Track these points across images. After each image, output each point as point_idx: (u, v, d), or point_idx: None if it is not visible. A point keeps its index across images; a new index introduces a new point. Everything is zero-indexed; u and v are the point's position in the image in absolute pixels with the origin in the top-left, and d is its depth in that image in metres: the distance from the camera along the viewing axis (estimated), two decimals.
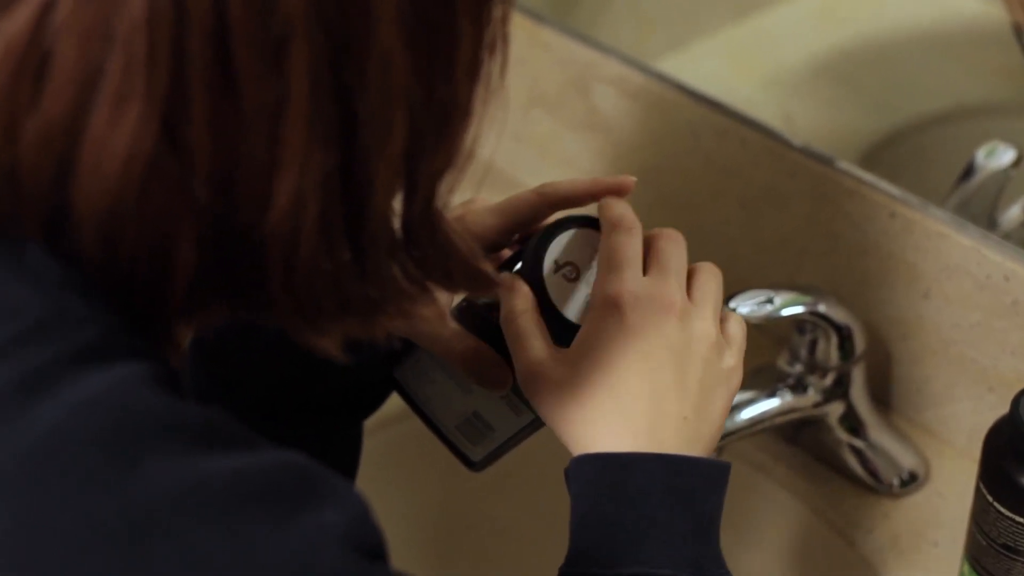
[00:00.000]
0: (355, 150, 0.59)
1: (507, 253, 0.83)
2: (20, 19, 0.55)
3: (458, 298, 0.82)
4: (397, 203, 0.64)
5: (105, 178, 0.56)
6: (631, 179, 0.82)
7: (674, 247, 0.80)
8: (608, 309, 0.75)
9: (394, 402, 0.98)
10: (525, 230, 0.83)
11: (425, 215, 0.65)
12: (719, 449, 1.01)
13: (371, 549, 0.57)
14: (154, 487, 0.53)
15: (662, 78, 1.20)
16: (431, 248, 0.66)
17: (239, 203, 0.58)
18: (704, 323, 0.77)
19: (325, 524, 0.55)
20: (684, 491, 0.73)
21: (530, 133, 1.35)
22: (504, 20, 0.62)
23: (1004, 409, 0.91)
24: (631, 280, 0.76)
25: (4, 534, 0.53)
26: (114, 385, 0.55)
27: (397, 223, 0.64)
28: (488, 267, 0.73)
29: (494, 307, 0.79)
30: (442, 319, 0.76)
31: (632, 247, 0.78)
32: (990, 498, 0.90)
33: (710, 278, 0.80)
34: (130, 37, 0.54)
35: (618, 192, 0.82)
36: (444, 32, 0.59)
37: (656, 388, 0.75)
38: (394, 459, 1.14)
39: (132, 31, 0.54)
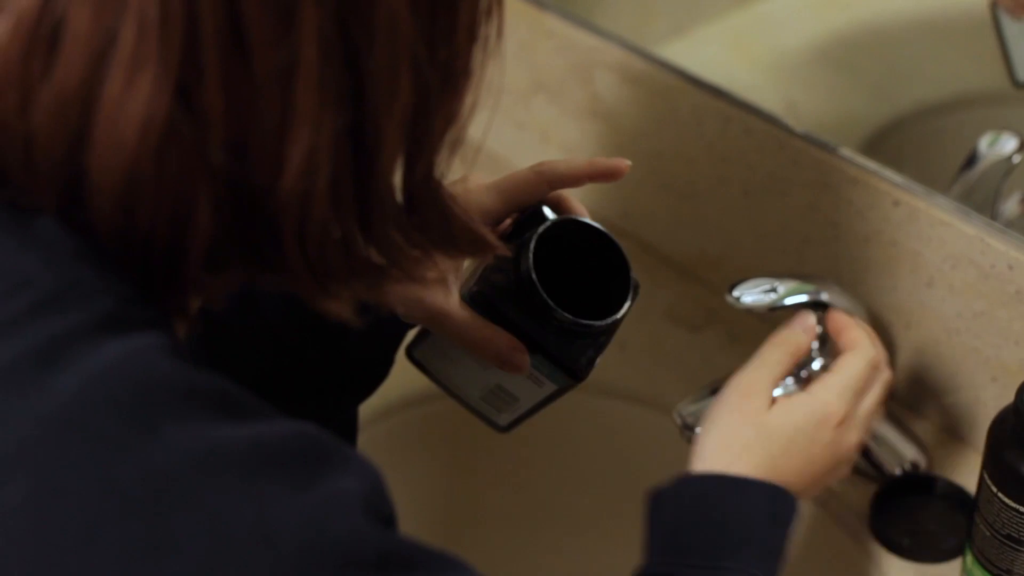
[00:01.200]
0: (364, 111, 0.59)
1: (505, 226, 0.84)
2: None
3: (466, 283, 0.82)
4: (397, 173, 0.64)
5: (122, 144, 0.56)
6: (626, 162, 0.86)
7: (864, 364, 0.94)
8: (817, 413, 0.90)
9: (395, 392, 0.98)
10: (521, 208, 0.85)
11: (426, 180, 0.66)
12: None
13: (385, 517, 0.58)
14: (173, 453, 0.54)
15: (664, 65, 1.20)
16: (432, 213, 0.68)
17: (253, 165, 0.58)
18: (856, 434, 0.93)
19: (342, 490, 0.56)
20: (780, 517, 0.86)
21: (532, 120, 1.35)
22: (489, 21, 0.63)
23: (1008, 399, 0.91)
24: (850, 407, 0.92)
25: (25, 501, 0.53)
26: (131, 354, 0.55)
27: (398, 190, 0.65)
28: (487, 231, 0.74)
29: (503, 290, 0.80)
30: (445, 286, 0.78)
31: (867, 380, 0.94)
32: (994, 488, 0.90)
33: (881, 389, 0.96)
34: (143, 2, 0.54)
35: (613, 174, 0.86)
36: (440, 7, 0.60)
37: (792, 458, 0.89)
38: (395, 448, 1.14)
39: None
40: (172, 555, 0.53)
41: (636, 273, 0.84)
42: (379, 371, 0.87)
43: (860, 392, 0.92)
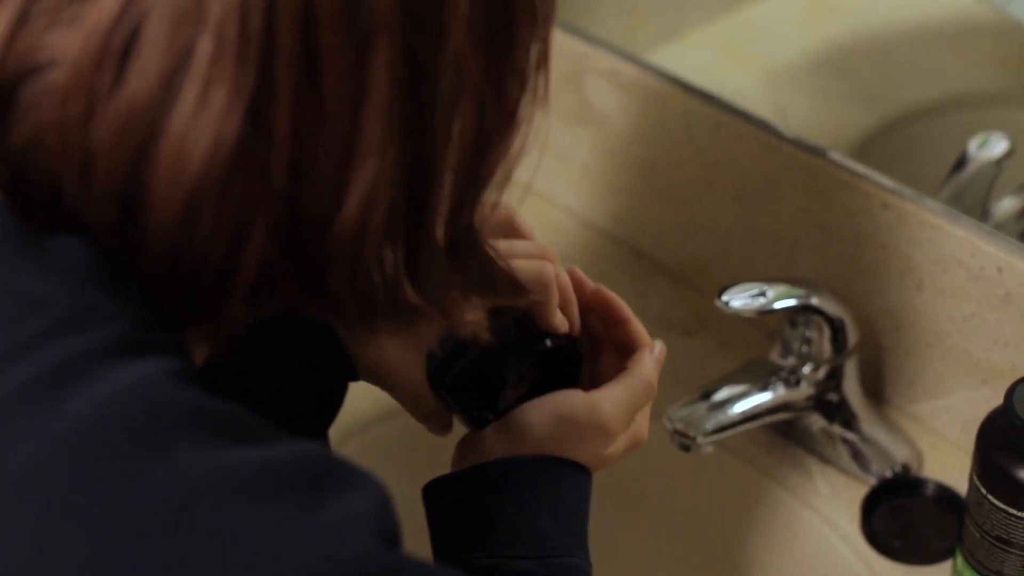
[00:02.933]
0: (424, 146, 0.61)
1: None
2: None
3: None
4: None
5: (188, 163, 0.56)
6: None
7: (648, 385, 0.86)
8: (595, 420, 0.82)
9: (384, 399, 0.98)
10: None
11: (470, 222, 0.67)
12: (713, 443, 1.01)
13: (392, 536, 0.59)
14: (184, 476, 0.54)
15: (655, 70, 1.20)
16: (473, 255, 0.69)
17: (315, 193, 0.59)
18: (617, 451, 0.85)
19: (351, 511, 0.57)
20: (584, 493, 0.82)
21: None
22: (547, 37, 0.65)
23: (998, 401, 0.91)
24: (625, 425, 0.84)
25: (37, 523, 0.53)
26: (144, 378, 0.56)
27: (440, 232, 0.66)
28: (521, 276, 0.75)
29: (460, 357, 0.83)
30: (481, 326, 0.77)
31: (646, 398, 0.85)
32: (984, 490, 0.90)
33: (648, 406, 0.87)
34: (223, 21, 0.55)
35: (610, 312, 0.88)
36: (504, 37, 0.62)
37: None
38: (390, 454, 1.14)
39: (225, 15, 0.55)
40: None
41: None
42: (337, 399, 0.87)
43: (637, 410, 0.85)
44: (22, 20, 0.58)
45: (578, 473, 0.81)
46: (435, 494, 0.81)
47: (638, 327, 0.87)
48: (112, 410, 0.55)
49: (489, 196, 0.66)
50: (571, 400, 0.82)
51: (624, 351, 0.86)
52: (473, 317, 0.72)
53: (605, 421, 0.81)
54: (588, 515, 0.82)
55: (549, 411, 0.81)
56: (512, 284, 0.74)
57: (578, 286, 0.86)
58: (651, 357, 0.85)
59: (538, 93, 0.66)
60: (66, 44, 0.57)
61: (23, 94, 0.58)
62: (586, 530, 0.81)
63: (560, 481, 0.80)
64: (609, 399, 0.82)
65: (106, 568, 0.53)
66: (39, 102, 0.58)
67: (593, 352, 0.87)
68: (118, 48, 0.56)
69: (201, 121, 0.56)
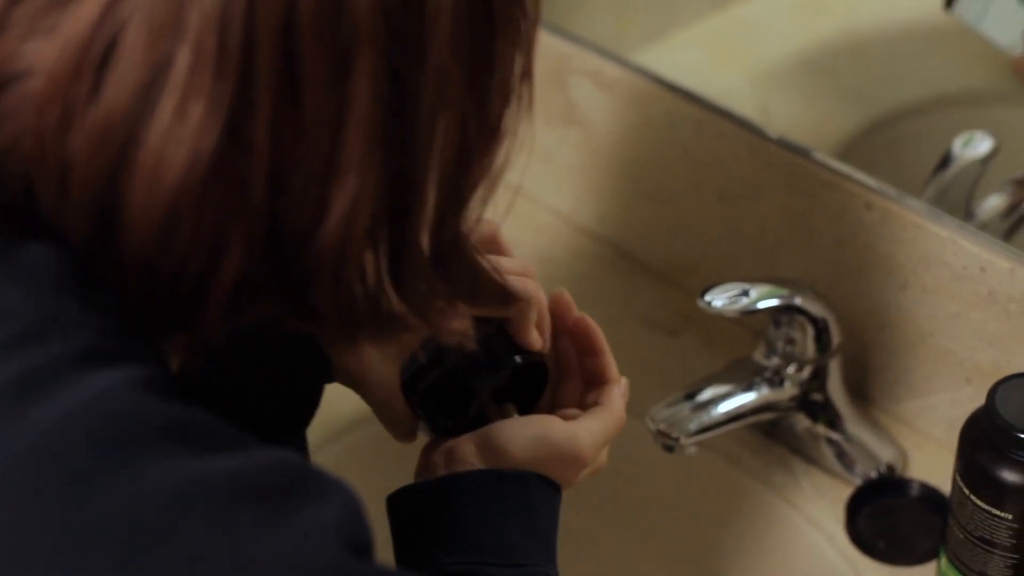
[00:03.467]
0: (407, 159, 0.60)
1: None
2: (90, 4, 0.55)
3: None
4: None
5: (165, 175, 0.56)
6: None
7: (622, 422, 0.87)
8: (573, 449, 0.82)
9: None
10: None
11: (455, 232, 0.67)
12: (697, 444, 1.01)
13: (362, 544, 0.58)
14: (149, 488, 0.54)
15: (639, 70, 1.20)
16: (458, 264, 0.69)
17: (295, 206, 0.58)
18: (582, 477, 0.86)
19: (318, 521, 0.56)
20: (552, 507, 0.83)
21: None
22: (531, 49, 0.65)
23: (982, 400, 0.91)
24: (595, 456, 0.85)
25: None
26: (108, 388, 0.55)
27: (425, 241, 0.66)
28: (511, 284, 0.76)
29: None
30: (467, 335, 0.77)
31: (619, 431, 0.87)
32: (967, 491, 0.90)
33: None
34: (201, 33, 0.54)
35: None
36: (486, 51, 0.62)
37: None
38: (371, 458, 1.14)
39: (204, 27, 0.54)
40: None
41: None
42: (312, 401, 0.86)
43: (607, 443, 0.86)
44: (0, 29, 0.57)
45: (551, 490, 0.82)
46: (406, 500, 0.81)
47: (611, 362, 0.88)
48: (77, 421, 0.54)
49: (474, 206, 0.66)
50: (552, 426, 0.83)
51: (591, 382, 0.88)
52: (460, 325, 0.72)
53: (581, 451, 0.83)
54: (557, 532, 0.83)
55: (531, 433, 0.82)
56: (499, 293, 0.75)
57: (564, 309, 0.87)
58: (620, 393, 0.87)
59: (522, 104, 0.65)
60: (43, 53, 0.56)
61: (0, 102, 0.58)
62: (555, 546, 0.82)
63: (535, 496, 0.81)
64: (587, 431, 0.84)
65: None
66: (16, 111, 0.57)
67: (557, 375, 0.89)
68: (96, 58, 0.55)
69: (179, 133, 0.55)
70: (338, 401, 0.92)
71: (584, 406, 0.87)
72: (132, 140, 0.56)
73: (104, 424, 0.54)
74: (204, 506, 0.54)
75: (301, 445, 0.88)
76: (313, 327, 0.67)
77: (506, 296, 0.76)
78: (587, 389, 0.88)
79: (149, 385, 0.56)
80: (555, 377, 0.88)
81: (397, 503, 0.81)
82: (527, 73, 0.65)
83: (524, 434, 0.82)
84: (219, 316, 0.61)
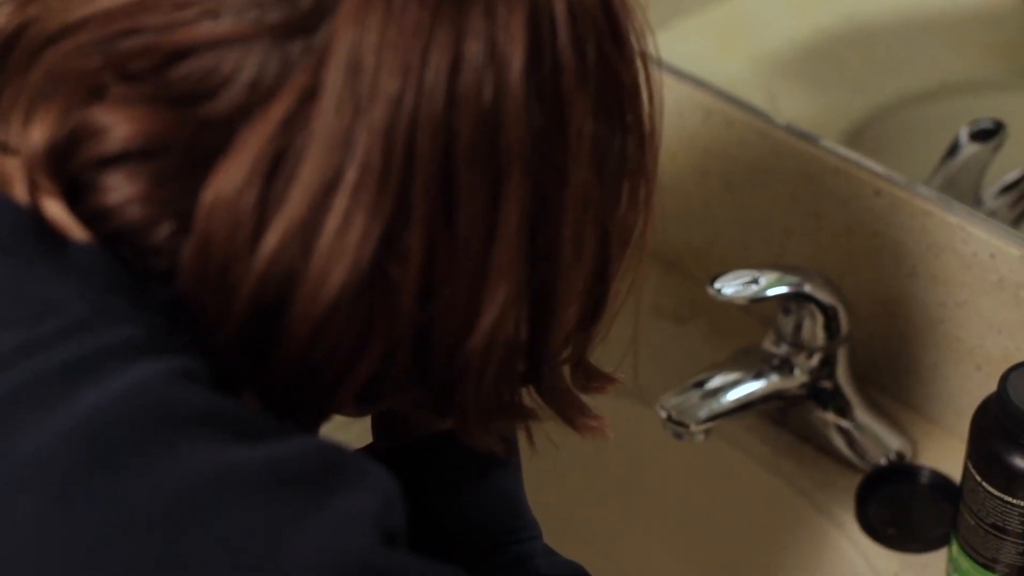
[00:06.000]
0: (552, 270, 0.64)
1: None
2: (270, 120, 0.58)
3: None
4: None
5: (329, 284, 0.59)
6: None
7: None
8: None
9: None
10: None
11: (592, 337, 0.71)
12: (707, 431, 1.01)
13: (396, 533, 0.59)
14: (187, 473, 0.54)
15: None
16: (585, 368, 0.73)
17: (442, 316, 0.61)
18: None
19: (355, 510, 0.56)
20: None
21: None
22: (655, 161, 0.69)
23: (992, 388, 0.91)
24: None
25: (38, 516, 0.53)
26: (152, 376, 0.56)
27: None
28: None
29: None
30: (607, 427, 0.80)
31: None
32: (979, 478, 0.90)
33: None
34: (369, 149, 0.57)
35: None
36: (619, 175, 0.66)
37: None
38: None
39: (371, 145, 0.57)
40: (182, 575, 0.53)
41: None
42: None
43: None
44: None
45: None
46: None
47: None
48: (120, 406, 0.55)
49: (612, 308, 0.70)
50: None
51: None
52: (595, 423, 0.75)
53: None
54: None
55: None
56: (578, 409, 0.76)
57: None
58: None
59: (651, 212, 0.69)
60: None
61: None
62: None
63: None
64: None
65: (101, 563, 0.52)
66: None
67: None
68: (275, 172, 0.58)
69: (342, 245, 0.58)
70: None
71: None
72: (306, 251, 0.59)
73: (146, 409, 0.55)
74: (242, 491, 0.54)
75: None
76: (452, 419, 0.69)
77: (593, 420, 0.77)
78: None
79: (192, 376, 0.57)
80: None
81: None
82: (650, 181, 0.68)
83: None
84: (352, 404, 0.65)
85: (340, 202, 0.58)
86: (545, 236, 0.62)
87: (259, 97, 0.58)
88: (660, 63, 1.16)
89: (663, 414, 1.01)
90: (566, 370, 0.72)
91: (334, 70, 0.57)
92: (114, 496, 0.53)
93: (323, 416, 0.66)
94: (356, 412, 0.73)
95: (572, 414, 0.73)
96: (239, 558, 0.53)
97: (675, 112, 1.18)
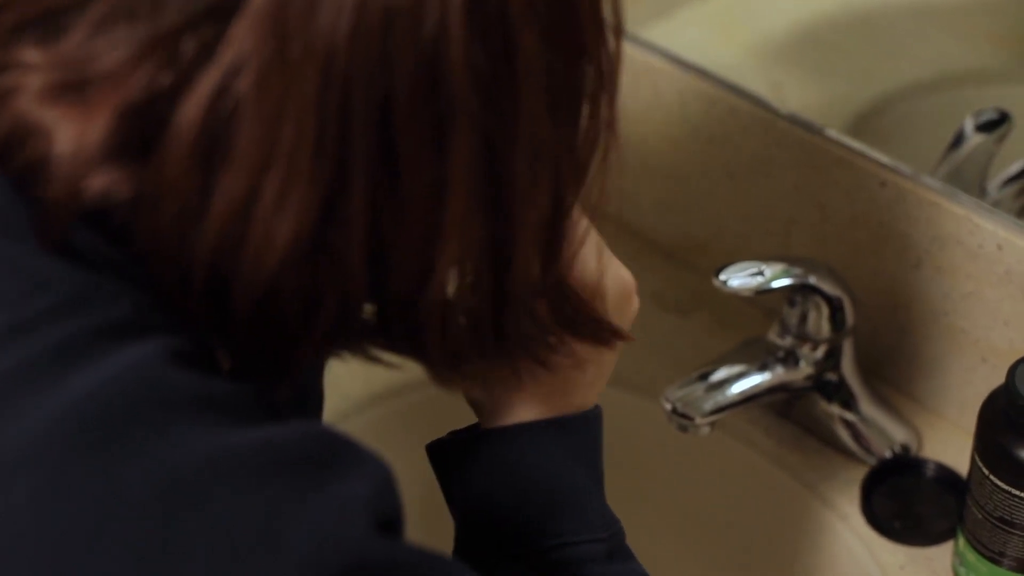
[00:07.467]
0: (506, 217, 0.61)
1: None
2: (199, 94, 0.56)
3: None
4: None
5: (271, 253, 0.57)
6: None
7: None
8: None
9: (379, 381, 0.97)
10: None
11: (557, 276, 0.69)
12: (712, 424, 1.01)
13: (391, 519, 0.58)
14: (183, 455, 0.54)
15: (649, 47, 1.19)
16: (564, 304, 0.72)
17: (395, 274, 0.60)
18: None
19: (350, 495, 0.56)
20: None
21: None
22: (615, 87, 0.67)
23: (998, 380, 0.90)
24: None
25: (30, 499, 0.53)
26: (144, 357, 0.56)
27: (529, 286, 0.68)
28: (612, 324, 0.77)
29: None
30: (581, 368, 0.79)
31: None
32: (985, 470, 0.90)
33: None
34: (302, 116, 0.55)
35: None
36: (574, 103, 0.63)
37: None
38: (381, 437, 1.13)
39: (303, 110, 0.55)
40: (177, 559, 0.53)
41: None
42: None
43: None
44: None
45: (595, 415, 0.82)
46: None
47: None
48: (112, 388, 0.54)
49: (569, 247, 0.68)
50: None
51: None
52: (571, 362, 0.75)
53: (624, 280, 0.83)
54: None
55: None
56: (604, 330, 0.76)
57: None
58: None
59: (610, 154, 0.67)
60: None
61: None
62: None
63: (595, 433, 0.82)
64: (611, 267, 0.82)
65: (99, 546, 0.52)
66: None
67: None
68: (209, 149, 0.56)
69: (282, 216, 0.57)
70: (350, 382, 0.92)
71: None
72: (245, 225, 0.57)
73: (139, 391, 0.55)
74: (237, 474, 0.54)
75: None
76: (417, 359, 0.68)
77: (611, 334, 0.77)
78: None
79: (184, 357, 0.57)
80: None
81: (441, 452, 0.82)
82: (611, 105, 0.66)
83: None
84: (313, 355, 0.64)
85: (276, 174, 0.56)
86: (496, 184, 0.60)
87: (185, 77, 0.56)
88: (663, 52, 1.16)
89: (667, 407, 1.00)
90: (544, 311, 0.70)
91: (258, 38, 0.55)
92: (108, 480, 0.53)
93: (295, 363, 0.64)
94: (319, 360, 0.72)
95: (543, 354, 0.71)
96: (233, 541, 0.53)
97: (678, 101, 1.17)
